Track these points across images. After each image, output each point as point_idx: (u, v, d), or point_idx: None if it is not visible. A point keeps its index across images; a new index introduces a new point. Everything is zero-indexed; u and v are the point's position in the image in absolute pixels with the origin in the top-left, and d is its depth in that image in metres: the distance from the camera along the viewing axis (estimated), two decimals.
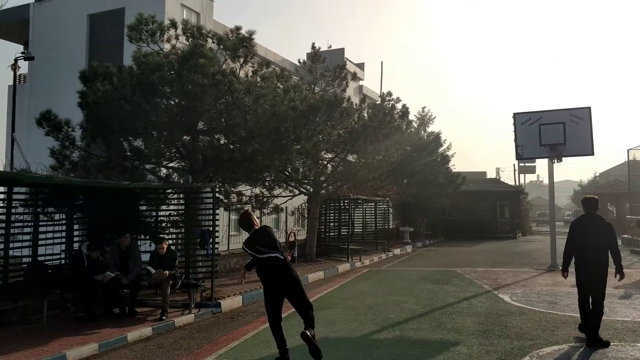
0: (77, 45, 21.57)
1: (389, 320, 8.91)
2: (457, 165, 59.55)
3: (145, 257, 10.08)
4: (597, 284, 7.14)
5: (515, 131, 17.56)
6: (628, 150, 32.54)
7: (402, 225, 28.92)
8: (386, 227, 25.40)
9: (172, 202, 11.70)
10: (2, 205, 9.36)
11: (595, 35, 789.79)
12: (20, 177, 8.12)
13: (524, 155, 18.13)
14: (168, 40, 12.08)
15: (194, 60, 10.61)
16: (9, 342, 7.48)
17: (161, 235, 10.67)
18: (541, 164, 47.04)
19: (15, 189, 9.51)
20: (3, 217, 9.23)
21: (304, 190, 18.63)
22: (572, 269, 7.48)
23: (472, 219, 36.49)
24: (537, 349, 6.91)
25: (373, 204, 24.37)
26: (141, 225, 11.34)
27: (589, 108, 16.85)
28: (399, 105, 20.39)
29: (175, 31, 12.06)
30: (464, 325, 8.36)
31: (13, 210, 9.44)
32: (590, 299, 7.23)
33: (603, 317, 7.26)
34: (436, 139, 29.88)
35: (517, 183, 50.93)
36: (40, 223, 10.10)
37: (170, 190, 11.60)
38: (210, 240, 10.60)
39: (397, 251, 23.37)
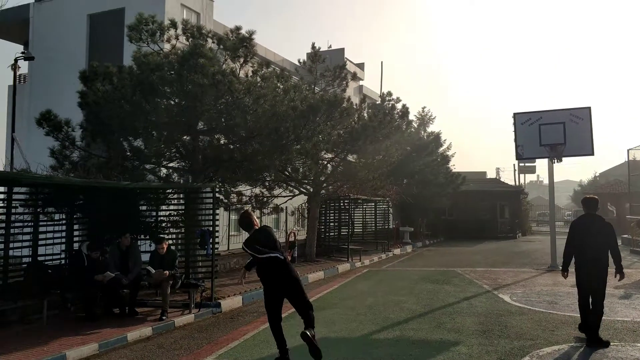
0: (77, 45, 21.57)
1: (389, 320, 8.91)
2: (457, 165, 59.64)
3: (145, 257, 10.08)
4: (597, 284, 7.14)
5: (515, 131, 17.56)
6: (628, 150, 32.60)
7: (402, 225, 28.92)
8: (386, 227, 25.40)
9: (172, 202, 11.70)
10: (2, 205, 9.36)
11: (595, 35, 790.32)
12: (20, 177, 8.12)
13: (524, 155, 18.14)
14: (168, 40, 12.08)
15: (194, 60, 10.61)
16: (9, 342, 7.48)
17: (161, 235, 10.67)
18: (541, 164, 47.09)
19: (15, 189, 9.51)
20: (3, 217, 9.23)
21: (304, 190, 18.63)
22: (572, 269, 7.49)
23: (472, 219, 36.49)
24: (537, 349, 6.91)
25: (373, 204, 24.37)
26: (141, 225, 11.34)
27: (589, 108, 16.86)
28: (399, 105, 20.43)
29: (175, 31, 12.06)
30: (464, 325, 8.36)
31: (13, 210, 9.44)
32: (590, 299, 7.23)
33: (603, 317, 7.26)
34: (436, 139, 29.88)
35: (517, 183, 50.94)
36: (40, 223, 10.10)
37: (170, 190, 11.60)
38: (210, 240, 10.60)
39: (397, 251, 23.37)
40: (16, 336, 7.89)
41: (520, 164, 48.40)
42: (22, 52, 19.31)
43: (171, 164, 12.73)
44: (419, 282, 13.51)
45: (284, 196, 18.02)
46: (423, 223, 32.20)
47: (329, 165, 18.57)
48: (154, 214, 11.50)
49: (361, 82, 36.01)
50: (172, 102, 11.70)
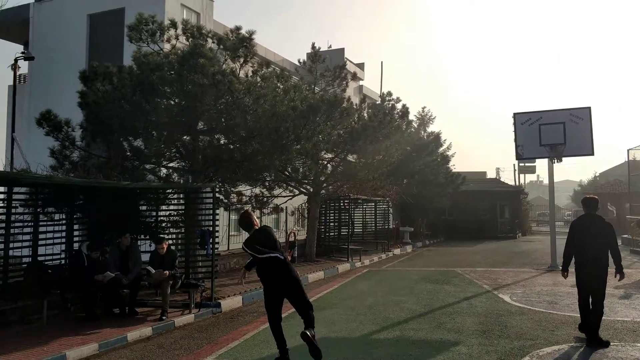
0: (77, 45, 21.57)
1: (389, 320, 8.92)
2: (457, 165, 59.64)
3: (145, 257, 10.08)
4: (597, 284, 7.14)
5: (515, 131, 17.56)
6: (628, 150, 32.60)
7: (402, 225, 28.92)
8: (386, 227, 25.40)
9: (172, 202, 11.70)
10: (2, 205, 9.36)
11: (595, 35, 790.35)
12: (20, 177, 8.12)
13: (524, 155, 18.14)
14: (168, 40, 12.08)
15: (194, 60, 10.61)
16: (9, 342, 7.48)
17: (161, 235, 10.68)
18: (541, 164, 47.10)
19: (15, 189, 9.51)
20: (3, 217, 9.23)
21: (304, 190, 18.64)
22: (572, 269, 7.49)
23: (472, 219, 36.50)
24: (537, 349, 6.91)
25: (373, 204, 24.37)
26: (141, 225, 11.34)
27: (589, 108, 16.86)
28: (399, 105, 20.43)
29: (175, 31, 12.06)
30: (464, 325, 8.36)
31: (13, 210, 9.44)
32: (590, 299, 7.23)
33: (603, 317, 7.26)
34: (436, 139, 29.89)
35: (517, 183, 50.95)
36: (40, 223, 10.10)
37: (170, 190, 11.60)
38: (210, 240, 10.60)
39: (397, 251, 23.38)
40: (16, 336, 7.89)
41: (520, 164, 48.42)
42: (22, 52, 19.31)
43: (171, 164, 12.73)
44: (419, 282, 13.51)
45: (284, 196, 18.02)
46: (423, 223, 32.20)
47: (329, 165, 18.57)
48: (154, 214, 11.50)
49: (361, 82, 36.02)
50: (172, 102, 11.70)
